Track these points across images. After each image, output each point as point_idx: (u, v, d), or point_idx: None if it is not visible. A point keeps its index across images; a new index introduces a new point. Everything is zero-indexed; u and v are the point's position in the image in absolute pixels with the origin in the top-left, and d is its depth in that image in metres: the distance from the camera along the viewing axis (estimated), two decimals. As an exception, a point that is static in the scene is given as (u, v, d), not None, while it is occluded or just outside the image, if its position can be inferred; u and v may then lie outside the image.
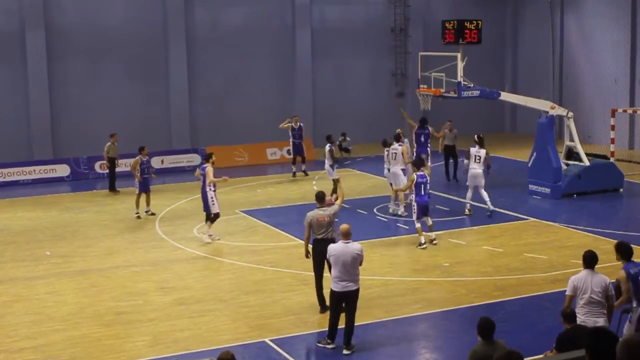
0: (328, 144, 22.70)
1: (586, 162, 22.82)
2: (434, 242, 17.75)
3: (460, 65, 22.02)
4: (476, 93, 22.66)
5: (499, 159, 29.81)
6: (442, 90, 22.68)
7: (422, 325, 13.41)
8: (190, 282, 15.57)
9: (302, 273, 15.94)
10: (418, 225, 17.62)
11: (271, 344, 12.40)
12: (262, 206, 22.31)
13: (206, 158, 18.91)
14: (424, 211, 17.74)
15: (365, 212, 20.89)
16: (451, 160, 25.36)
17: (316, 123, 32.72)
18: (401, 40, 34.66)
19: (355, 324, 12.34)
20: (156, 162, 28.39)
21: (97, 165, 27.85)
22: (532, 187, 22.98)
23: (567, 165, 23.14)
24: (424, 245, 17.47)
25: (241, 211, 21.70)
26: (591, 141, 31.08)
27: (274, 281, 15.54)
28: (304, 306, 14.05)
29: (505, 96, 24.26)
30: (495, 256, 16.97)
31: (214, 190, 18.24)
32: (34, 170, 27.25)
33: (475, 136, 20.71)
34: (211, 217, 18.32)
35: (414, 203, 17.75)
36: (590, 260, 10.24)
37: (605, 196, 22.60)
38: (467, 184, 20.66)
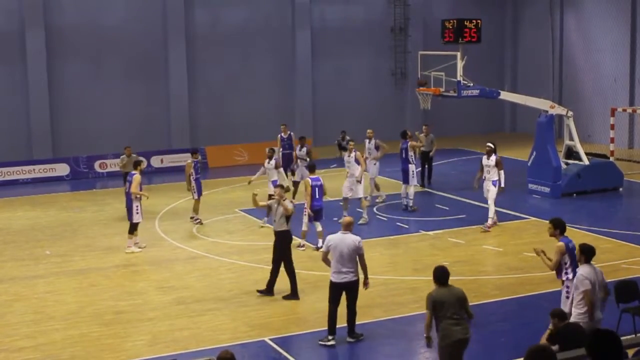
0: (300, 146, 22.30)
1: (586, 161, 22.82)
2: (301, 247, 17.31)
3: (459, 65, 22.01)
4: (476, 92, 22.65)
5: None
6: (442, 89, 22.67)
7: (421, 324, 13.29)
8: (190, 282, 15.58)
9: (301, 272, 15.95)
10: (319, 229, 17.18)
11: (271, 343, 12.41)
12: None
13: (134, 165, 18.22)
14: (317, 216, 17.33)
15: (363, 213, 20.88)
16: (427, 166, 24.23)
17: (316, 123, 32.74)
18: (401, 40, 34.66)
19: (355, 324, 12.38)
20: (156, 162, 28.44)
21: (96, 165, 27.89)
22: (531, 186, 22.97)
23: (567, 164, 23.14)
24: (303, 248, 17.34)
25: (241, 210, 21.71)
26: (591, 140, 31.08)
27: (273, 280, 15.53)
28: (303, 305, 14.06)
29: (504, 95, 24.26)
30: (495, 255, 16.97)
31: (140, 199, 17.69)
32: (34, 170, 27.28)
33: (487, 145, 19.34)
34: (132, 226, 17.73)
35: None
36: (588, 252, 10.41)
37: (605, 195, 22.59)
38: (485, 196, 19.26)
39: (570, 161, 23.24)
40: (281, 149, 23.72)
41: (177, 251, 17.84)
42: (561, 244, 11.17)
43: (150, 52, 30.75)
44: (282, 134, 24.22)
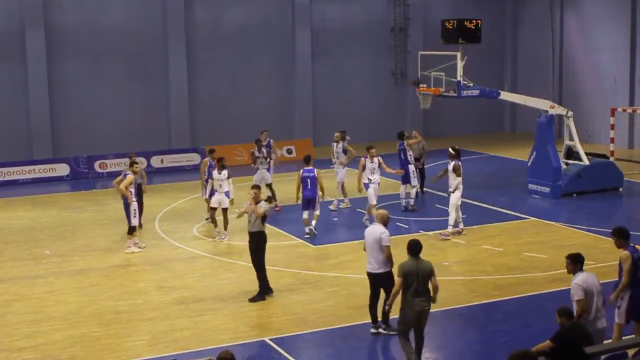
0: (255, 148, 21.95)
1: (586, 161, 22.83)
2: (307, 235, 18.57)
3: (459, 65, 22.02)
4: (476, 92, 22.65)
5: (499, 159, 29.86)
6: (442, 89, 22.68)
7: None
8: (190, 281, 15.58)
9: (301, 272, 15.97)
10: (305, 216, 18.58)
11: (271, 343, 12.41)
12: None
13: (130, 164, 18.25)
14: (305, 205, 18.53)
15: (365, 212, 20.87)
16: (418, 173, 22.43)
17: (316, 123, 32.74)
18: (401, 40, 34.66)
19: (354, 324, 12.45)
20: (156, 162, 28.44)
21: (96, 165, 27.88)
22: (531, 186, 22.98)
23: (567, 164, 23.15)
24: (308, 235, 18.51)
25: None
26: (591, 140, 31.08)
27: (273, 280, 15.49)
28: (303, 305, 14.07)
29: (504, 95, 24.28)
30: (495, 255, 16.97)
31: (137, 201, 17.66)
32: (34, 170, 27.28)
33: (451, 149, 19.19)
34: (130, 227, 17.69)
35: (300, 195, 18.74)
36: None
37: (605, 195, 22.60)
38: (458, 203, 18.78)
39: (570, 161, 23.25)
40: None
41: (177, 251, 17.85)
42: (627, 252, 10.97)
43: (150, 52, 30.74)
44: (262, 141, 22.64)
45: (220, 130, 31.39)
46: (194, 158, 28.91)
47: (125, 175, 17.73)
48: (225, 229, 18.63)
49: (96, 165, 27.91)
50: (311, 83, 33.19)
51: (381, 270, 12.35)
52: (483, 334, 12.79)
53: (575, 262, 10.35)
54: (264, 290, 14.48)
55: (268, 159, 21.75)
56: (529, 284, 15.03)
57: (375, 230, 12.44)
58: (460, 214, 18.73)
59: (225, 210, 18.67)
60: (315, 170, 18.53)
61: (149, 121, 30.81)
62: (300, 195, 18.57)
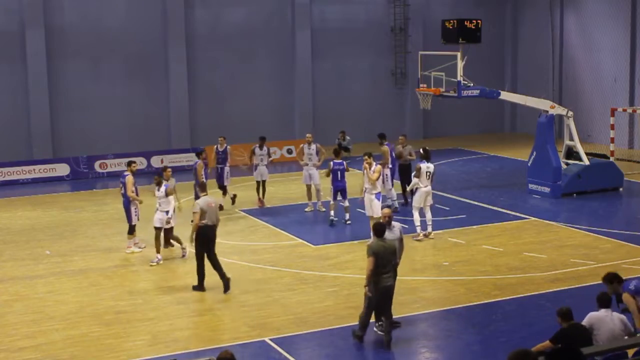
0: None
1: (586, 161, 22.83)
2: (331, 218, 19.66)
3: (460, 65, 22.03)
4: (476, 92, 22.66)
5: (499, 159, 29.86)
6: (442, 89, 22.68)
7: (421, 324, 13.42)
8: (190, 281, 15.55)
9: (301, 272, 15.97)
10: (332, 202, 19.63)
11: (271, 343, 12.41)
12: (261, 207, 22.28)
13: (127, 165, 18.12)
14: (335, 195, 19.64)
15: (364, 212, 20.86)
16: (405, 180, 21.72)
17: (316, 123, 32.74)
18: (401, 40, 34.66)
19: (354, 324, 12.46)
20: (156, 162, 28.43)
21: (96, 165, 27.87)
22: (531, 186, 22.98)
23: (567, 164, 23.15)
24: (334, 218, 19.64)
25: (241, 210, 21.72)
26: (591, 140, 31.08)
27: (273, 280, 15.55)
28: (303, 305, 14.07)
29: (504, 95, 24.26)
30: (495, 255, 16.97)
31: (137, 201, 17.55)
32: (34, 170, 27.26)
33: (421, 150, 18.76)
34: (131, 227, 17.61)
35: (332, 186, 19.64)
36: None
37: (605, 195, 22.60)
38: (417, 205, 18.32)
39: (570, 161, 23.24)
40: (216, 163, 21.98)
41: (177, 251, 17.82)
42: (627, 294, 10.47)
43: (150, 52, 30.75)
44: (219, 147, 22.08)
45: (220, 131, 31.20)
46: (193, 158, 28.84)
47: (124, 177, 17.70)
48: (158, 251, 16.83)
49: (96, 165, 27.91)
50: (311, 83, 33.18)
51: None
52: (483, 334, 12.78)
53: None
54: (225, 281, 14.88)
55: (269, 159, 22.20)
56: (529, 284, 15.03)
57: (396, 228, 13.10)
58: (429, 216, 18.33)
59: (167, 230, 17.13)
60: (344, 162, 19.75)
61: (149, 121, 30.81)
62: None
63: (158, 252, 16.85)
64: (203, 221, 14.73)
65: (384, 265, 11.89)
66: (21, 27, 28.70)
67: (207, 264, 14.92)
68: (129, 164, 18.21)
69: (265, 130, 30.22)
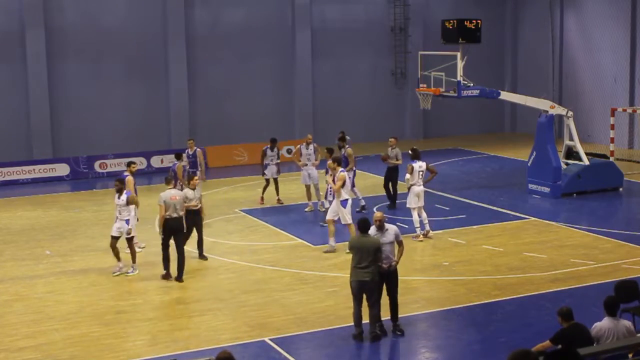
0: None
1: (586, 161, 22.83)
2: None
3: (460, 65, 22.03)
4: (476, 92, 22.66)
5: (499, 159, 29.86)
6: (442, 89, 22.68)
7: (421, 324, 13.42)
8: (190, 281, 15.58)
9: (301, 272, 15.97)
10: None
11: (271, 343, 12.41)
12: (261, 205, 22.30)
13: (127, 165, 18.06)
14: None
15: (364, 212, 20.88)
16: (390, 184, 21.39)
17: (316, 123, 32.74)
18: (401, 40, 34.66)
19: (352, 324, 12.44)
20: (156, 162, 28.44)
21: (96, 165, 27.86)
22: (531, 186, 22.98)
23: (567, 164, 23.15)
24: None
25: (241, 210, 21.72)
26: (591, 140, 31.09)
27: (273, 280, 15.55)
28: (303, 305, 14.07)
29: (504, 95, 24.28)
30: (495, 255, 16.97)
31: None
32: (34, 170, 27.26)
33: (410, 150, 18.72)
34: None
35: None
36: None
37: (605, 195, 22.60)
38: (414, 205, 18.31)
39: (570, 161, 23.24)
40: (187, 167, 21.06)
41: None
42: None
43: (150, 52, 30.75)
44: (189, 150, 21.36)
45: (220, 130, 31.40)
46: (193, 158, 28.86)
47: (124, 177, 17.67)
48: (134, 260, 16.30)
49: (96, 165, 27.90)
50: (311, 83, 33.18)
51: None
52: (483, 334, 12.79)
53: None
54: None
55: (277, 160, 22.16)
56: (529, 284, 15.03)
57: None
58: (424, 215, 18.39)
59: (128, 239, 16.31)
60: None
61: (149, 121, 30.81)
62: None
63: (119, 260, 16.18)
64: (167, 213, 15.38)
65: (360, 260, 12.12)
66: (21, 27, 28.69)
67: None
68: (129, 164, 18.20)
69: (265, 130, 30.31)
